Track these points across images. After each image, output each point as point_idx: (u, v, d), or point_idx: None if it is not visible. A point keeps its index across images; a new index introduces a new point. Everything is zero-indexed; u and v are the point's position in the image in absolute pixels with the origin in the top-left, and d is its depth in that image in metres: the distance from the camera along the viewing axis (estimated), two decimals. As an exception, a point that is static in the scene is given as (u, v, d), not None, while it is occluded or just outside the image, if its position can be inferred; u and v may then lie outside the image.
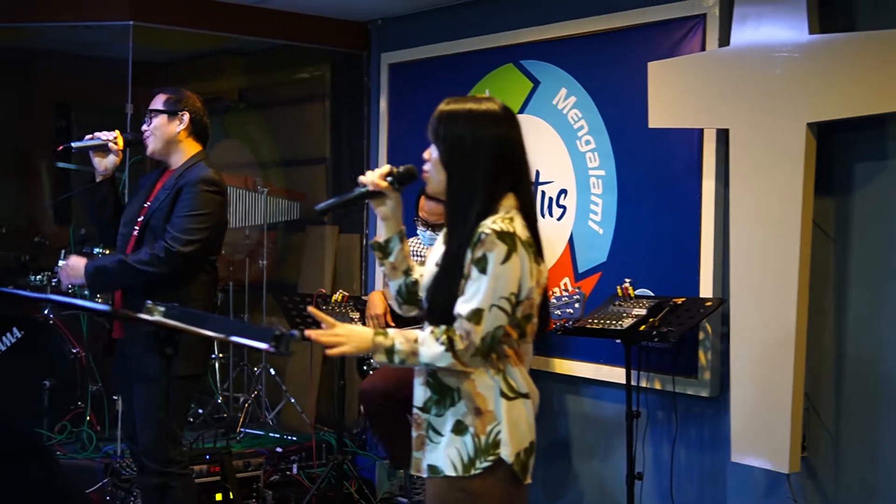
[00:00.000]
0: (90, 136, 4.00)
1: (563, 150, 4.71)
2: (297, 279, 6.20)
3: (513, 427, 2.53)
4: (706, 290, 4.14)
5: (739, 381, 3.71)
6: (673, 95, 3.93)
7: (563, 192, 4.72)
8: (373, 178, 2.66)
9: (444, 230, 2.63)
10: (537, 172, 4.85)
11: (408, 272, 2.75)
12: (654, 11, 4.32)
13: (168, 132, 3.99)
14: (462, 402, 2.54)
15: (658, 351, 4.27)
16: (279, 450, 5.42)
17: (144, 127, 4.01)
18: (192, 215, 3.81)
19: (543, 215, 4.79)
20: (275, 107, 6.45)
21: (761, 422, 3.62)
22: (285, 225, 6.29)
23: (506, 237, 2.46)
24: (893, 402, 3.49)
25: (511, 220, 2.51)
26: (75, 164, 5.86)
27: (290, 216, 6.14)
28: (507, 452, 2.51)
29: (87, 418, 5.40)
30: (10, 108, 6.70)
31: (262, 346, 2.06)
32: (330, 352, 2.53)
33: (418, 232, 4.60)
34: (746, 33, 3.64)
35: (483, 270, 2.44)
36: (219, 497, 4.81)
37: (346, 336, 2.55)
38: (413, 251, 4.72)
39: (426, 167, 2.64)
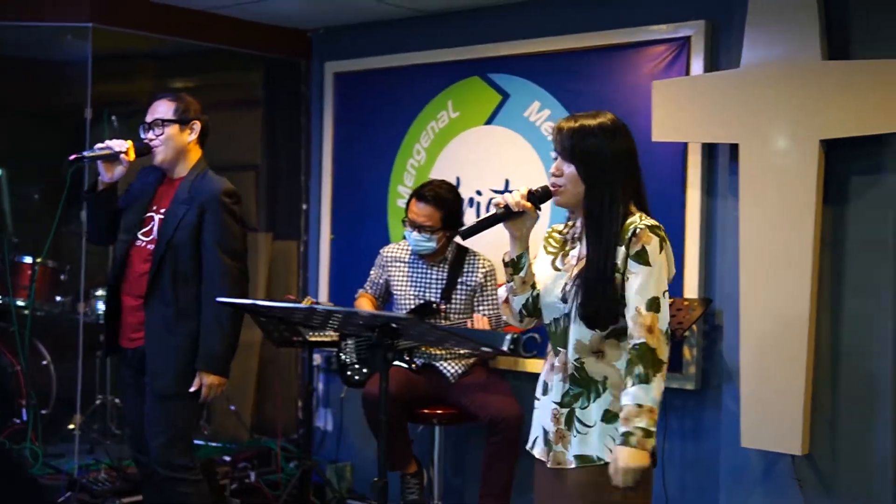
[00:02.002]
0: (101, 145, 3.91)
1: (537, 160, 4.94)
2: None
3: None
4: (690, 291, 4.48)
5: (749, 373, 4.05)
6: (678, 112, 4.25)
7: (536, 200, 4.95)
8: (516, 199, 2.78)
9: (583, 236, 2.80)
10: (507, 180, 5.08)
11: (534, 285, 2.89)
12: (636, 32, 4.63)
13: (181, 142, 4.00)
14: (608, 392, 2.73)
15: (641, 349, 4.57)
16: (227, 458, 5.39)
17: (151, 135, 3.97)
18: (235, 235, 3.92)
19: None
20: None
21: (772, 411, 3.98)
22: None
23: (657, 230, 2.71)
24: (885, 393, 3.91)
25: (649, 216, 2.75)
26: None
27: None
28: (654, 441, 2.69)
29: (30, 434, 5.18)
30: None
31: (502, 348, 2.19)
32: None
33: (406, 234, 4.70)
34: (758, 56, 4.00)
35: (645, 262, 2.67)
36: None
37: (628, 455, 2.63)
38: (396, 256, 4.82)
39: (558, 181, 2.79)
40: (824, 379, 4.02)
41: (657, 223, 2.73)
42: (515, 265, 2.85)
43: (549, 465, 2.82)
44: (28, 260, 5.49)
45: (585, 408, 2.75)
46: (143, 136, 3.99)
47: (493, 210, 2.83)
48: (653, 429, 2.62)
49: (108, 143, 3.90)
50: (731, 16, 4.23)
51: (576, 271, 2.79)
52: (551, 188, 2.82)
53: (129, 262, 3.99)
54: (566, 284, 2.79)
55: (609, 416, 2.73)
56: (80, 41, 5.09)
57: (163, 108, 3.99)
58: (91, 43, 4.98)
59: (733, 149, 4.14)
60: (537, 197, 2.81)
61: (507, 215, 2.80)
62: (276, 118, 6.13)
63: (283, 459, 5.51)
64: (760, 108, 3.97)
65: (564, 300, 2.78)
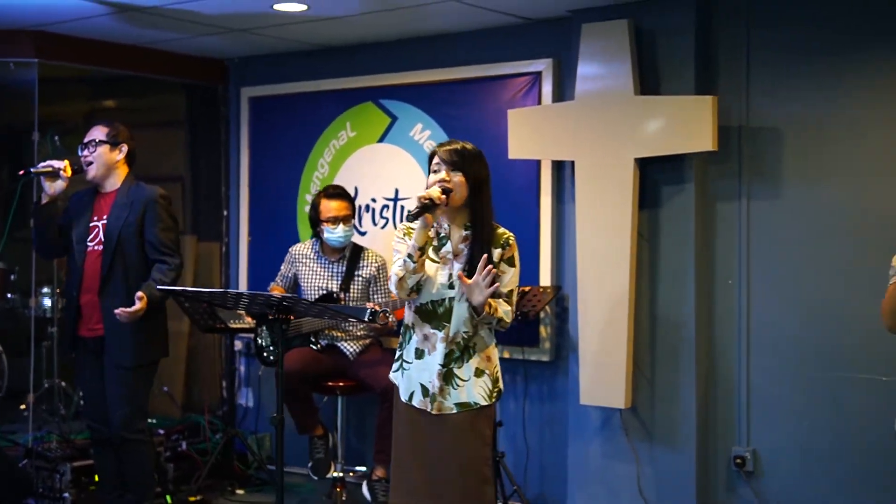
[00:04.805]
0: (43, 164, 4.78)
1: (419, 173, 5.87)
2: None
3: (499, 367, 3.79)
4: (545, 280, 5.47)
5: (585, 344, 5.04)
6: (529, 135, 5.23)
7: (420, 206, 5.89)
8: (437, 193, 3.56)
9: (451, 234, 3.68)
10: (396, 190, 6.02)
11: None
12: (497, 67, 5.60)
13: (110, 160, 4.88)
14: (477, 354, 3.68)
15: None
16: (161, 431, 6.23)
17: (86, 153, 4.84)
18: (171, 228, 4.77)
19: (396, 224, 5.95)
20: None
21: (602, 373, 4.98)
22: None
23: (515, 240, 3.73)
24: (689, 358, 4.93)
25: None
26: None
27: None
28: (502, 384, 3.76)
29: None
30: None
31: (364, 318, 3.12)
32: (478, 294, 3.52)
33: (327, 232, 5.51)
34: (587, 90, 5.00)
35: (513, 265, 3.68)
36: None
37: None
38: (303, 253, 5.72)
39: (450, 185, 3.61)
40: (643, 347, 5.04)
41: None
42: (423, 250, 3.63)
43: (432, 412, 3.67)
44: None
45: (461, 367, 3.67)
46: (80, 153, 4.86)
47: (417, 203, 3.54)
48: (500, 318, 3.63)
49: (49, 162, 4.79)
50: (571, 55, 5.22)
51: (457, 265, 3.65)
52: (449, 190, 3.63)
53: (84, 265, 4.85)
54: (450, 274, 3.66)
55: (478, 372, 3.68)
56: (24, 69, 5.91)
57: (97, 132, 4.87)
58: (37, 76, 5.80)
59: (572, 164, 5.14)
60: (446, 193, 3.62)
61: (433, 205, 3.57)
62: (199, 136, 7.01)
63: (210, 431, 6.38)
64: (589, 132, 4.98)
65: (452, 286, 3.66)
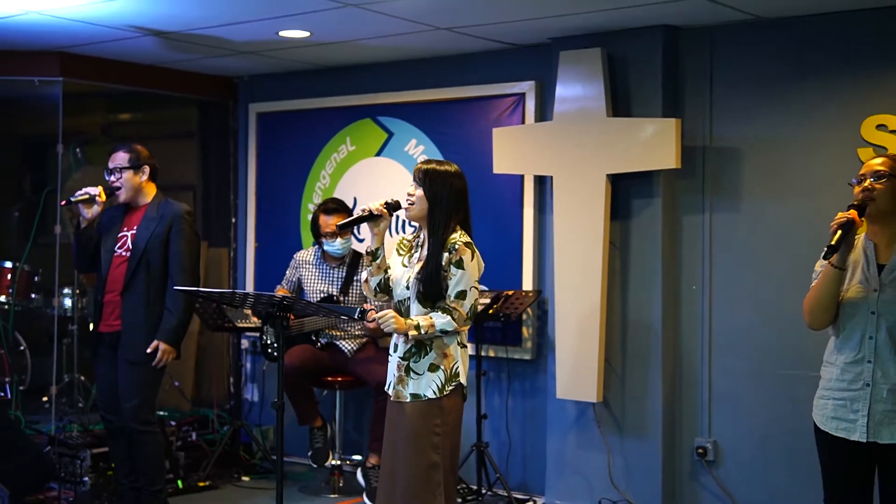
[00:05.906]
0: (80, 192, 5.22)
1: (414, 185, 6.36)
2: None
3: (463, 364, 4.10)
4: (527, 284, 5.94)
5: (562, 343, 5.51)
6: (512, 151, 5.71)
7: (414, 215, 6.36)
8: (378, 206, 4.03)
9: (425, 244, 4.11)
10: (392, 201, 6.48)
11: (386, 270, 4.17)
12: (485, 88, 6.07)
13: (136, 182, 5.30)
14: (433, 351, 4.05)
15: (491, 329, 6.02)
16: (172, 423, 6.70)
17: (113, 178, 5.28)
18: (193, 242, 5.23)
19: (398, 232, 6.44)
20: (143, 141, 7.64)
21: (577, 369, 5.45)
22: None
23: (469, 245, 4.03)
24: (656, 356, 5.39)
25: (466, 235, 4.10)
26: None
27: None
28: (462, 379, 4.10)
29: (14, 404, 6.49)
30: None
31: (353, 316, 3.58)
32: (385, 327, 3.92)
33: (326, 245, 5.99)
34: (564, 111, 5.47)
35: (461, 267, 3.97)
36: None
37: (393, 318, 3.93)
38: (306, 259, 6.19)
39: (411, 199, 4.05)
40: (615, 346, 5.50)
41: (470, 240, 4.07)
42: (374, 254, 4.10)
43: (392, 400, 4.13)
44: (9, 265, 6.76)
45: (417, 361, 4.07)
46: (106, 178, 5.30)
47: (359, 213, 4.02)
48: (427, 332, 3.91)
49: (85, 189, 5.22)
50: (553, 78, 5.68)
51: (417, 268, 4.09)
52: (406, 203, 4.08)
53: (110, 269, 5.30)
54: (409, 277, 4.11)
55: (433, 368, 4.06)
56: (49, 86, 6.40)
57: (120, 158, 5.30)
58: (62, 93, 6.30)
59: (551, 179, 5.61)
60: (391, 206, 4.07)
61: (370, 217, 4.02)
62: (210, 148, 7.51)
63: (218, 423, 6.85)
64: (566, 150, 5.45)
65: (408, 287, 4.10)
